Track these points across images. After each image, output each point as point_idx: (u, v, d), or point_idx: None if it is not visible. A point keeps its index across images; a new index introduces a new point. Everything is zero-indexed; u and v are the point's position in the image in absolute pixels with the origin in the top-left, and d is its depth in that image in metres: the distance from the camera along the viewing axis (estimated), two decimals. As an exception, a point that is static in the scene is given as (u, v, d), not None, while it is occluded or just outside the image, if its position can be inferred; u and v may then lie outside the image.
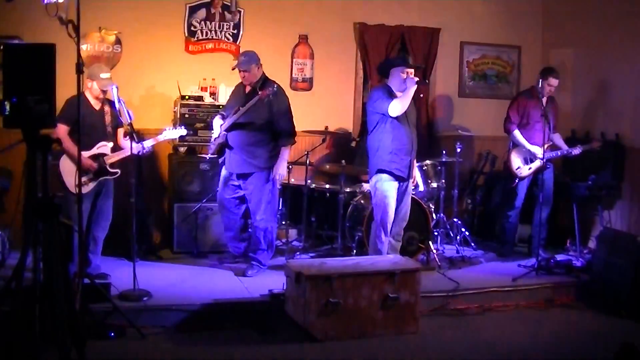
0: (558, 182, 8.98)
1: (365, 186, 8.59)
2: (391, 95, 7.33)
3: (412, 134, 7.50)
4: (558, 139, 8.85)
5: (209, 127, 8.03)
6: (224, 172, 7.78)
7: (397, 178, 7.40)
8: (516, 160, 8.79)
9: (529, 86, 8.86)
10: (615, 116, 9.29)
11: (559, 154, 8.69)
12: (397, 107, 7.20)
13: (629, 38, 9.12)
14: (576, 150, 8.61)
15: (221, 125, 7.60)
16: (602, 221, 9.06)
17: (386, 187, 7.38)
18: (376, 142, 7.44)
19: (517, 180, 8.79)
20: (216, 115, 7.85)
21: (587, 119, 9.73)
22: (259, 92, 7.44)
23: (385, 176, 7.38)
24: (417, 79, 7.31)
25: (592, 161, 8.77)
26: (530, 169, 8.70)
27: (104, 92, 7.08)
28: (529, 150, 8.67)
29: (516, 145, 8.82)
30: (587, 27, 9.88)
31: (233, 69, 7.70)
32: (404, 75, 7.33)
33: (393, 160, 7.34)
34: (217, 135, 7.60)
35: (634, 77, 8.85)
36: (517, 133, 8.78)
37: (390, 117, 7.25)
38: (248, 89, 7.65)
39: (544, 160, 8.44)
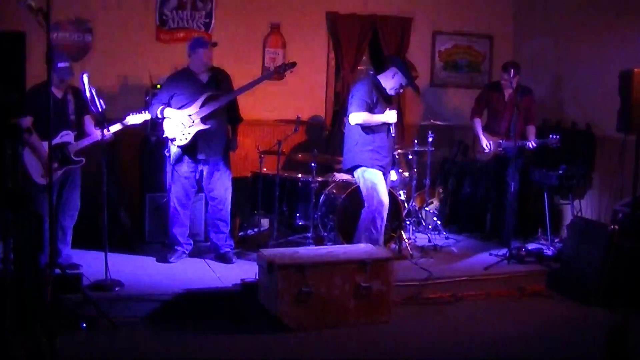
0: (528, 172, 9.05)
1: (338, 176, 8.60)
2: (373, 96, 7.42)
3: (392, 127, 7.58)
4: (530, 131, 8.88)
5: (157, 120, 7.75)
6: (185, 167, 7.64)
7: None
8: (478, 145, 9.12)
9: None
10: (586, 106, 9.34)
11: (514, 145, 8.74)
12: (358, 120, 7.39)
13: (599, 28, 9.17)
14: (531, 144, 8.66)
15: (194, 113, 7.45)
16: (573, 210, 9.11)
17: (372, 175, 7.45)
18: (356, 136, 7.50)
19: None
20: (159, 106, 7.56)
21: (559, 109, 9.79)
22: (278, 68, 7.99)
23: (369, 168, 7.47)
24: (395, 119, 7.53)
25: (563, 150, 8.80)
26: (488, 153, 8.91)
27: (62, 81, 7.01)
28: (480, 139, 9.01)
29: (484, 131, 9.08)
30: (558, 17, 9.93)
31: (214, 46, 7.67)
32: (399, 87, 7.56)
33: (375, 158, 7.47)
34: (190, 124, 7.46)
35: (604, 67, 8.89)
36: (474, 122, 9.17)
37: (369, 107, 7.37)
38: (203, 75, 7.63)
39: (491, 149, 8.88)
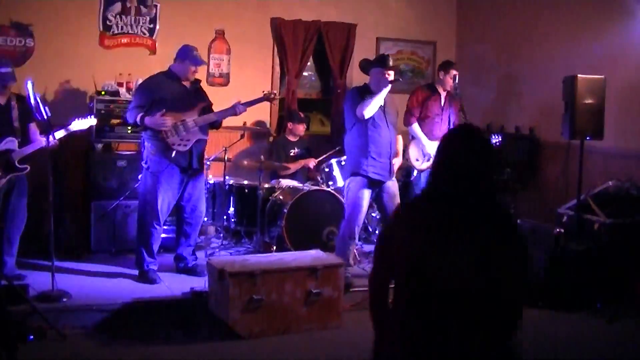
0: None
1: (284, 182, 8.60)
2: (364, 96, 7.28)
3: (390, 135, 7.41)
4: None
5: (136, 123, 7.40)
6: (175, 178, 7.28)
7: (373, 182, 7.35)
8: (414, 153, 8.85)
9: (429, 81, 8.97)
10: (530, 111, 9.49)
11: None
12: (365, 109, 7.15)
13: (543, 34, 9.33)
14: None
15: (191, 120, 7.23)
16: (518, 213, 9.21)
17: (359, 188, 7.30)
18: (352, 144, 7.37)
19: (414, 174, 8.92)
20: (138, 112, 7.16)
21: (502, 114, 9.91)
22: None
23: (359, 178, 7.31)
24: (390, 78, 7.27)
25: (508, 154, 8.91)
26: (429, 160, 8.83)
27: (5, 86, 6.91)
28: (424, 144, 8.80)
29: (414, 138, 8.86)
30: (500, 23, 10.09)
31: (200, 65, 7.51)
32: (381, 76, 7.29)
33: (371, 165, 7.26)
34: (186, 130, 7.21)
35: (548, 72, 9.04)
36: (415, 126, 8.82)
37: (365, 119, 7.23)
38: (188, 84, 7.43)
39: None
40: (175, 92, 7.32)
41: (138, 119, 7.18)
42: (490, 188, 3.20)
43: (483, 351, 3.07)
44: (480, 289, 3.03)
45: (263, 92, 7.86)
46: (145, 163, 7.30)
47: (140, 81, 7.92)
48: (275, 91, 8.32)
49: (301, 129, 9.34)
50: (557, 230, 7.42)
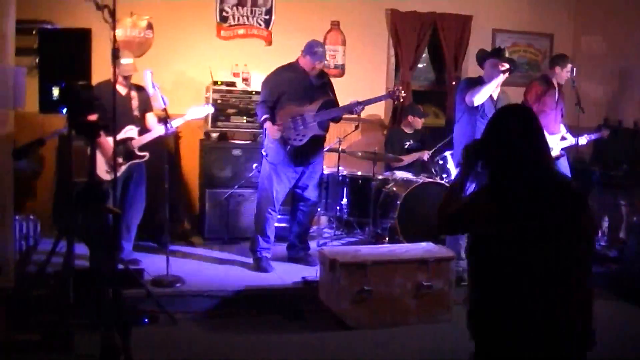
0: (588, 172, 8.90)
1: (398, 174, 8.55)
2: (476, 86, 7.28)
3: None
4: (564, 128, 8.75)
5: (253, 114, 7.84)
6: (291, 169, 7.37)
7: None
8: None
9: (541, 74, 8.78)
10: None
11: (568, 145, 8.61)
12: (475, 96, 7.16)
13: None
14: (582, 140, 8.54)
15: (310, 115, 7.26)
16: (634, 211, 8.95)
17: None
18: (460, 134, 7.38)
19: None
20: (264, 113, 7.25)
21: (619, 107, 9.63)
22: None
23: None
24: (504, 68, 7.22)
25: (624, 151, 8.66)
26: None
27: (126, 77, 7.06)
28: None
29: None
30: (618, 14, 9.80)
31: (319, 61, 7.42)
32: (495, 67, 7.26)
33: None
34: (305, 125, 7.24)
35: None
36: None
37: (474, 107, 7.21)
38: (314, 78, 7.44)
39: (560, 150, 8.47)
40: (298, 84, 7.34)
41: (262, 119, 7.29)
42: (550, 163, 3.33)
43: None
44: (553, 272, 3.28)
45: (388, 89, 7.80)
46: (265, 151, 7.40)
47: (255, 73, 8.03)
48: (401, 87, 8.18)
49: (420, 123, 9.27)
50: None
